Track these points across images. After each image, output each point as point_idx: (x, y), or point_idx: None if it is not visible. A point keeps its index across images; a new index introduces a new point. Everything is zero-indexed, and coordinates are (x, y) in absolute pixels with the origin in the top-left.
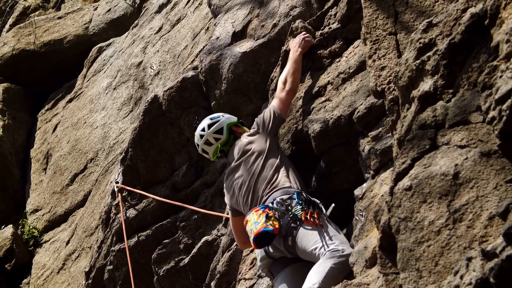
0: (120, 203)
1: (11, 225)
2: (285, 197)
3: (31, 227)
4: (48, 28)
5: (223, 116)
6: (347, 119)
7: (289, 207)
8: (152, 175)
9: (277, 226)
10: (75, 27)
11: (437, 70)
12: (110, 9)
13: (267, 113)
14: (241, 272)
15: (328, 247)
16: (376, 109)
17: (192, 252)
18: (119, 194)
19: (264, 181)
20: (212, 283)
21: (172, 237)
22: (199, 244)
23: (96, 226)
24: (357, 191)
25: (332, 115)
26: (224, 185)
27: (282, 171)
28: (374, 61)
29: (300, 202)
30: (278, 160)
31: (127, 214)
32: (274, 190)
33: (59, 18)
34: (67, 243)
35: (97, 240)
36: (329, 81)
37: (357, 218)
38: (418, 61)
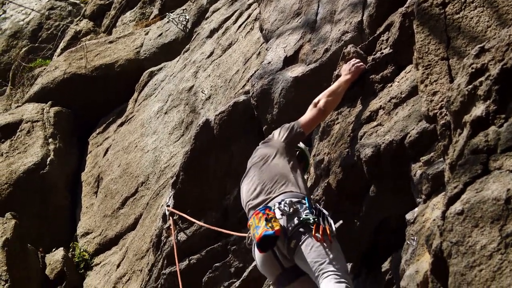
0: (171, 227)
1: (62, 248)
2: (294, 200)
3: (82, 250)
4: (100, 52)
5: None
6: (399, 143)
7: (298, 211)
8: (203, 199)
9: (277, 228)
10: (126, 51)
11: (489, 95)
12: (161, 34)
13: (287, 125)
14: None
15: (329, 267)
16: (428, 134)
17: (243, 276)
18: (170, 218)
19: (271, 183)
20: None
21: (223, 260)
22: (250, 267)
23: (147, 249)
24: (409, 216)
25: (384, 139)
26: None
27: (292, 176)
28: (426, 86)
29: (312, 210)
30: (288, 165)
31: (178, 238)
32: (282, 192)
33: (110, 42)
34: (118, 266)
35: (148, 264)
36: (380, 106)
37: (408, 242)
38: (470, 86)
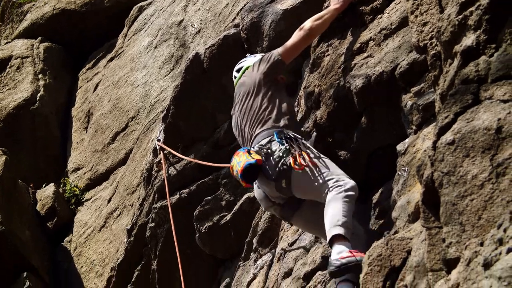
0: (162, 161)
1: (53, 184)
2: (264, 142)
3: (72, 185)
4: None
5: (255, 56)
6: (389, 74)
7: (269, 151)
8: (193, 132)
9: (257, 157)
10: None
11: (479, 25)
12: None
13: (266, 55)
14: (283, 229)
15: (329, 184)
16: (418, 65)
17: (234, 209)
18: (161, 152)
19: (250, 122)
20: (254, 240)
21: (214, 194)
22: (241, 201)
23: (138, 184)
24: (400, 147)
25: (374, 71)
26: None
27: (267, 111)
28: (416, 16)
29: (283, 142)
30: (265, 98)
31: (169, 172)
32: (257, 134)
33: None
34: (109, 201)
35: (139, 198)
36: (371, 37)
37: (399, 173)
38: (460, 16)
